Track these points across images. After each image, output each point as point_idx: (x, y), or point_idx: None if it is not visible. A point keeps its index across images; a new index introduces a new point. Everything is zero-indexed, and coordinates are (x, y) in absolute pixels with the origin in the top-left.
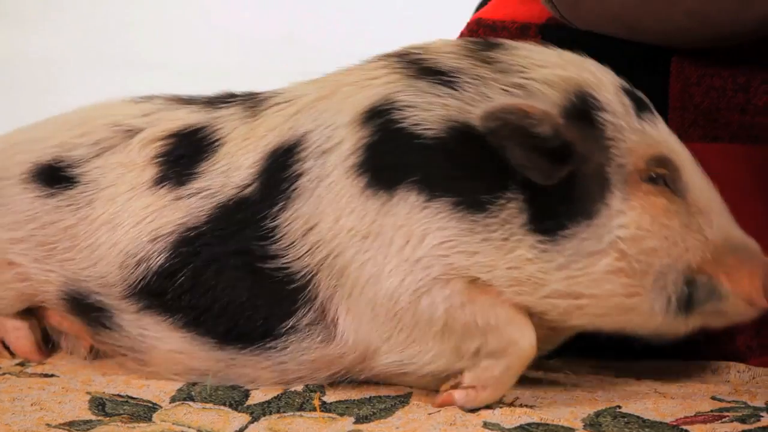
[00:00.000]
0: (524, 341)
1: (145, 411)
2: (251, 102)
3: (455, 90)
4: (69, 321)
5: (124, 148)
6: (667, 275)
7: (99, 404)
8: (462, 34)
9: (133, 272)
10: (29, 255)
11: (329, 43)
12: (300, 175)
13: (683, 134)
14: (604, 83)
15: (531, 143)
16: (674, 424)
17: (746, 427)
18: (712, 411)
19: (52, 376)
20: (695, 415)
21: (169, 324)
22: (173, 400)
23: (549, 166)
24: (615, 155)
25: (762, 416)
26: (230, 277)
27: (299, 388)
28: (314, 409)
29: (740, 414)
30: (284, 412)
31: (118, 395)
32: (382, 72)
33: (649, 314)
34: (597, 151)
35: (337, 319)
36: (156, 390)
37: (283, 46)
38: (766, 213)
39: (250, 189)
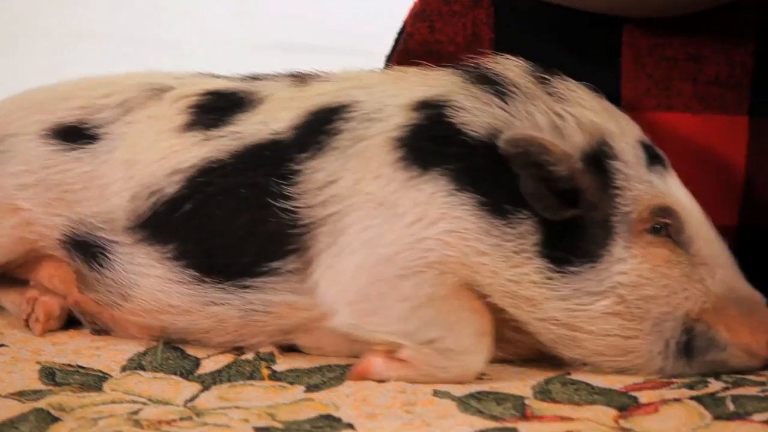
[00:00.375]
0: (477, 361)
1: (96, 380)
2: (299, 77)
3: (505, 102)
4: (61, 271)
5: (155, 103)
6: (665, 322)
7: (49, 374)
8: (415, 5)
9: (142, 203)
10: (37, 200)
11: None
12: (339, 132)
13: (637, 105)
14: (625, 134)
15: (544, 178)
16: (623, 390)
17: (694, 392)
18: (660, 378)
19: (1, 345)
20: (644, 382)
21: (159, 255)
22: (124, 369)
23: (556, 204)
24: (621, 204)
25: (710, 382)
26: (236, 208)
27: (249, 356)
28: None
29: (688, 380)
30: (235, 381)
31: (69, 365)
32: (445, 73)
33: (648, 357)
34: (605, 199)
35: (314, 273)
36: (106, 359)
37: (235, 18)
38: (719, 182)
39: (284, 135)
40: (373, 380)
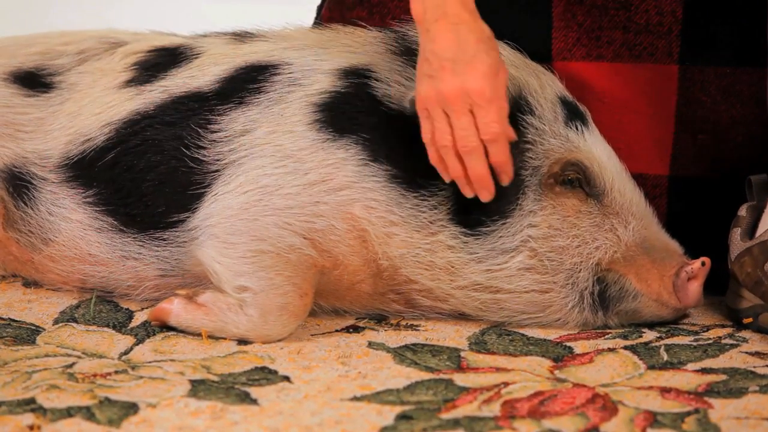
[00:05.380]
0: (268, 333)
1: (29, 334)
2: (238, 35)
3: None
4: None
5: (108, 56)
6: (578, 273)
7: None
8: None
9: (76, 148)
10: None
11: None
12: (262, 92)
13: (567, 54)
14: (545, 89)
15: None
16: (558, 341)
17: (628, 342)
18: (595, 329)
19: None
20: (579, 333)
21: (81, 199)
22: (56, 322)
23: None
24: (531, 158)
25: (644, 332)
26: (154, 158)
27: None
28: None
29: (623, 330)
30: (168, 333)
31: (0, 318)
32: (373, 41)
33: (565, 310)
34: (516, 153)
35: (202, 205)
36: (38, 312)
37: None
38: (650, 132)
39: (209, 87)
40: (170, 323)
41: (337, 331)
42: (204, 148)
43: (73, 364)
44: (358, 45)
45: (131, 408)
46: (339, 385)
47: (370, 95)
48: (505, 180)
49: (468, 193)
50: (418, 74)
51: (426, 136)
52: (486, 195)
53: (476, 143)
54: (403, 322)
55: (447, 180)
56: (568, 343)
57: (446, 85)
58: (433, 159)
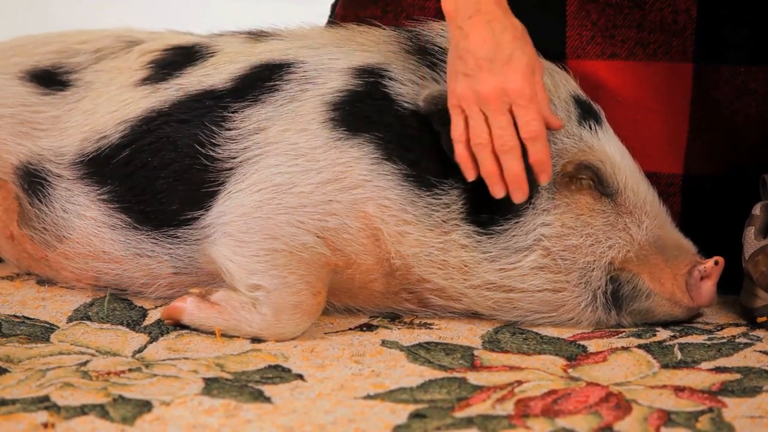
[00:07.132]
0: (285, 331)
1: (43, 331)
2: (255, 34)
3: (437, 73)
4: (6, 202)
5: (124, 54)
6: (591, 272)
7: None
8: None
9: (91, 145)
10: (8, 129)
11: None
12: (277, 90)
13: (582, 52)
14: (558, 88)
15: None
16: (572, 339)
17: (642, 341)
18: (609, 328)
19: None
20: (592, 331)
21: (95, 196)
22: (70, 320)
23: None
24: None
25: (658, 331)
26: (168, 158)
27: None
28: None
29: (636, 329)
30: (182, 331)
31: (14, 316)
32: (387, 40)
33: (578, 309)
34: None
35: (215, 203)
36: (52, 310)
37: None
38: (663, 129)
39: (224, 85)
40: (183, 321)
41: (350, 329)
42: (218, 145)
43: (87, 362)
44: (372, 44)
45: (145, 406)
46: (352, 384)
47: (384, 94)
48: (544, 179)
49: (499, 192)
50: (451, 72)
51: (456, 131)
52: (520, 195)
53: (515, 142)
54: (417, 321)
55: (470, 178)
56: (581, 342)
57: (485, 85)
58: (460, 156)
